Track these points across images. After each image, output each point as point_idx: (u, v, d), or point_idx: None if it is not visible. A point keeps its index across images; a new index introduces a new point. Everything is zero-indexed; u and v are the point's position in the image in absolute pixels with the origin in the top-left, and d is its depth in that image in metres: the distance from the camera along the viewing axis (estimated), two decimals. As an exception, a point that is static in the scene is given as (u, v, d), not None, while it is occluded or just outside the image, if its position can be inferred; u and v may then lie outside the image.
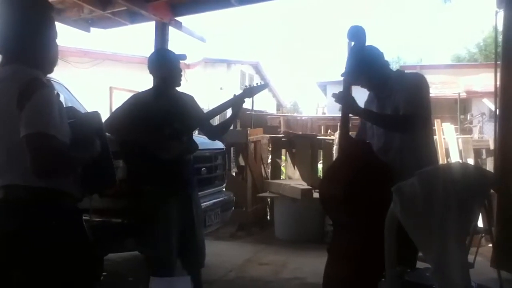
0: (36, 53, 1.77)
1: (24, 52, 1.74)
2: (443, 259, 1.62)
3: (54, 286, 1.71)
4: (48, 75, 1.89)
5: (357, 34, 2.56)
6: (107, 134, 2.13)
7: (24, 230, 1.66)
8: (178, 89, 3.07)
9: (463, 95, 13.21)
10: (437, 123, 6.98)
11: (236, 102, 3.03)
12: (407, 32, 61.50)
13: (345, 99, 2.60)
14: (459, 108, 11.73)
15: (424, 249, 1.75)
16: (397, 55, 30.38)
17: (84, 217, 1.92)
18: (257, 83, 3.14)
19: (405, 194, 1.69)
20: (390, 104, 2.58)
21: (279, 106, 25.16)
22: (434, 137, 2.98)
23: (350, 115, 2.69)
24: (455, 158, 6.56)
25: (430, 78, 2.77)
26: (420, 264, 2.25)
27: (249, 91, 3.05)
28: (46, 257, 1.66)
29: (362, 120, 2.86)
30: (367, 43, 2.60)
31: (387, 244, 1.74)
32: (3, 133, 1.66)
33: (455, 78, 14.95)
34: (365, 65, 2.61)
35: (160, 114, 2.84)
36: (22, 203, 1.67)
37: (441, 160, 6.84)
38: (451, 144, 6.62)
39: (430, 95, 2.69)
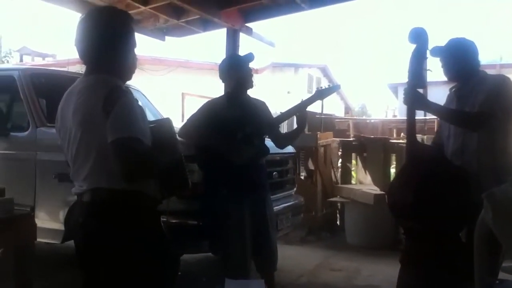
0: (117, 63, 1.85)
1: (106, 62, 1.83)
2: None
3: (135, 282, 1.78)
4: (127, 82, 1.97)
5: (419, 36, 2.48)
6: (180, 139, 2.19)
7: (108, 230, 1.74)
8: (250, 93, 3.10)
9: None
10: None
11: (304, 105, 2.98)
12: (484, 28, 58.09)
13: (412, 94, 2.50)
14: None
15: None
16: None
17: (162, 219, 1.99)
18: (328, 85, 3.09)
19: (498, 201, 1.58)
20: (469, 104, 2.49)
21: (347, 109, 24.71)
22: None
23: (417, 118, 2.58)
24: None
25: (512, 77, 2.61)
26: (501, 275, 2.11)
27: (321, 93, 3.01)
28: (128, 255, 1.74)
29: (440, 122, 2.75)
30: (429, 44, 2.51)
31: (477, 252, 1.64)
32: (90, 139, 1.74)
33: (542, 77, 13.78)
34: (461, 54, 2.57)
35: (233, 119, 2.89)
36: (107, 205, 1.75)
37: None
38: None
39: None
